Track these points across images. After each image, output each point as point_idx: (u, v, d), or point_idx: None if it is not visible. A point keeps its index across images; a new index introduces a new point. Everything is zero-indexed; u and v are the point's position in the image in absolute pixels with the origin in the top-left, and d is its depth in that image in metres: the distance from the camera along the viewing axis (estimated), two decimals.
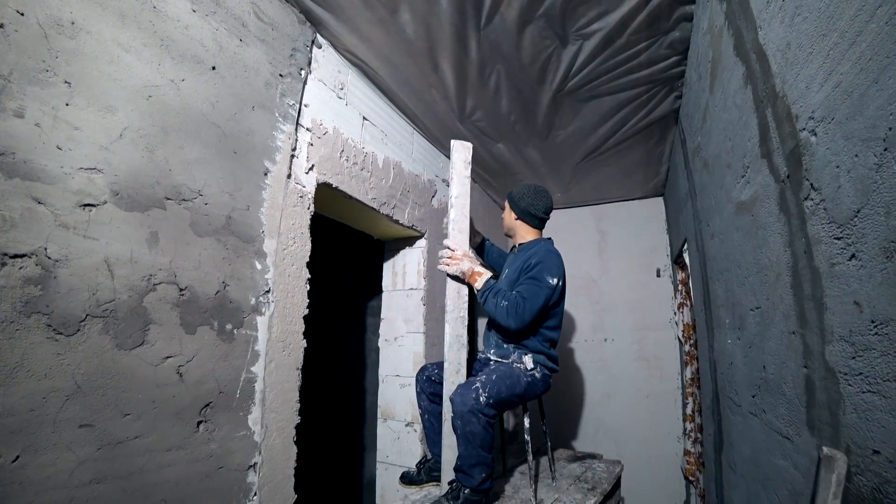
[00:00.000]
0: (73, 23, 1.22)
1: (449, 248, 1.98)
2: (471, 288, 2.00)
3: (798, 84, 1.03)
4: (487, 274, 1.96)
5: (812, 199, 1.00)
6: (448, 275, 1.98)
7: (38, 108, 1.15)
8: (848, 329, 0.88)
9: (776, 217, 1.22)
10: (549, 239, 2.18)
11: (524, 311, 1.84)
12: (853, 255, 0.85)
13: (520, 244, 2.19)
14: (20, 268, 1.08)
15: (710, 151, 1.97)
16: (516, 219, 2.17)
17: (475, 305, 4.39)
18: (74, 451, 1.15)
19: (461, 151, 2.09)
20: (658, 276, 4.15)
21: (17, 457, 1.05)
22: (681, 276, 3.70)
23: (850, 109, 0.83)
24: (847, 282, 0.88)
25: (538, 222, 2.17)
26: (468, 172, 2.09)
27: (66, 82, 1.20)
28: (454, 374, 1.90)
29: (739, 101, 1.46)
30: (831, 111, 0.90)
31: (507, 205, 2.23)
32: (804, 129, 1.01)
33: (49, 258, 1.14)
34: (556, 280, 1.92)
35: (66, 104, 1.20)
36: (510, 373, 1.85)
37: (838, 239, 0.90)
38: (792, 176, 1.10)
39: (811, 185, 1.00)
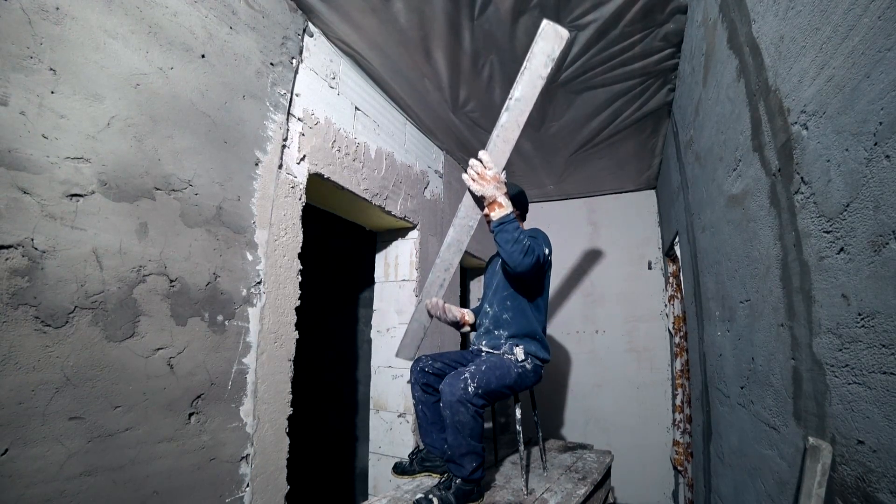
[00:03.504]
0: (57, 8, 1.19)
1: (482, 162, 1.71)
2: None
3: (791, 78, 1.03)
4: (510, 208, 1.78)
5: (802, 193, 1.00)
6: (468, 189, 1.77)
7: (23, 96, 1.12)
8: (835, 321, 0.89)
9: (767, 210, 1.23)
10: None
11: (538, 254, 1.80)
12: (842, 249, 0.85)
13: None
14: (6, 259, 1.07)
15: (702, 144, 1.97)
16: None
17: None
18: (64, 444, 1.15)
19: (551, 40, 1.55)
20: (649, 268, 4.18)
21: (6, 450, 1.04)
22: (672, 268, 3.73)
23: (842, 104, 0.83)
24: (835, 275, 0.89)
25: (525, 213, 2.22)
26: (546, 72, 1.58)
27: (51, 69, 1.18)
28: (443, 272, 1.87)
29: (732, 95, 1.46)
30: (823, 105, 0.90)
31: None
32: (796, 122, 1.02)
33: (36, 249, 1.12)
34: (546, 250, 1.95)
35: (52, 92, 1.18)
36: (500, 364, 1.86)
37: (827, 232, 0.90)
38: (783, 169, 1.10)
39: (802, 178, 1.00)
